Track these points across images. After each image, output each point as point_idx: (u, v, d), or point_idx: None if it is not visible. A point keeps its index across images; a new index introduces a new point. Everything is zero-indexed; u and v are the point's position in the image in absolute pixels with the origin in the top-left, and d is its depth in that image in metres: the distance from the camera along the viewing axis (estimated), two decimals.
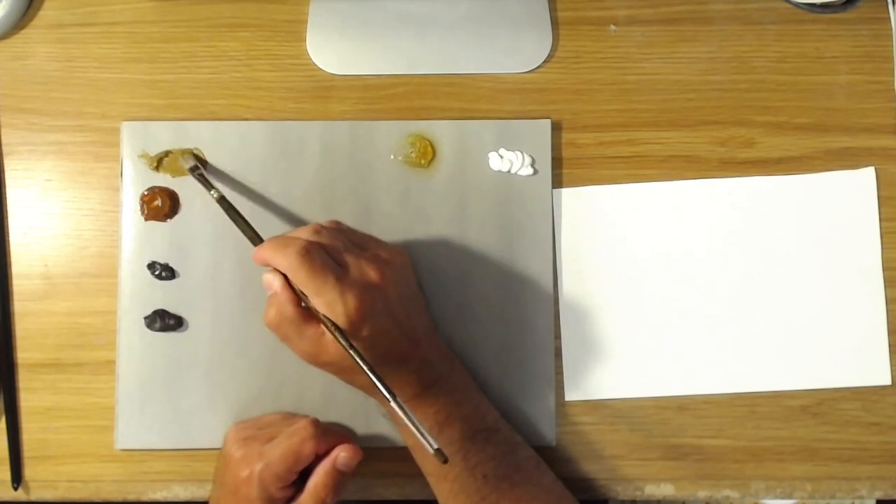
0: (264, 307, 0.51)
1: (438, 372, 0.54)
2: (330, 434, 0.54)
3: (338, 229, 0.54)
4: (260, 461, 0.52)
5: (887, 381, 0.59)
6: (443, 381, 0.54)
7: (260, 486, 0.51)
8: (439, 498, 0.55)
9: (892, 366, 0.59)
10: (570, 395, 0.58)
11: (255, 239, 0.53)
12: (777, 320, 0.59)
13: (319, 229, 0.52)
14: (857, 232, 0.59)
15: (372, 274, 0.51)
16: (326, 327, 0.49)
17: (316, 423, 0.53)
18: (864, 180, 0.60)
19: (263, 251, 0.51)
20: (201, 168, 0.58)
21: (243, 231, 0.54)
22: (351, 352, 0.48)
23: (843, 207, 0.60)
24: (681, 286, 0.59)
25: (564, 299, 0.59)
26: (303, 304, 0.50)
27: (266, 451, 0.52)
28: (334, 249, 0.51)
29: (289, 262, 0.49)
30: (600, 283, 0.59)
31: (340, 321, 0.49)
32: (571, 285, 0.59)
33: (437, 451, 0.46)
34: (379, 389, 0.47)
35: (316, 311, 0.49)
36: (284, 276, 0.50)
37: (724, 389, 0.59)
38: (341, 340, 0.48)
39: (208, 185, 0.56)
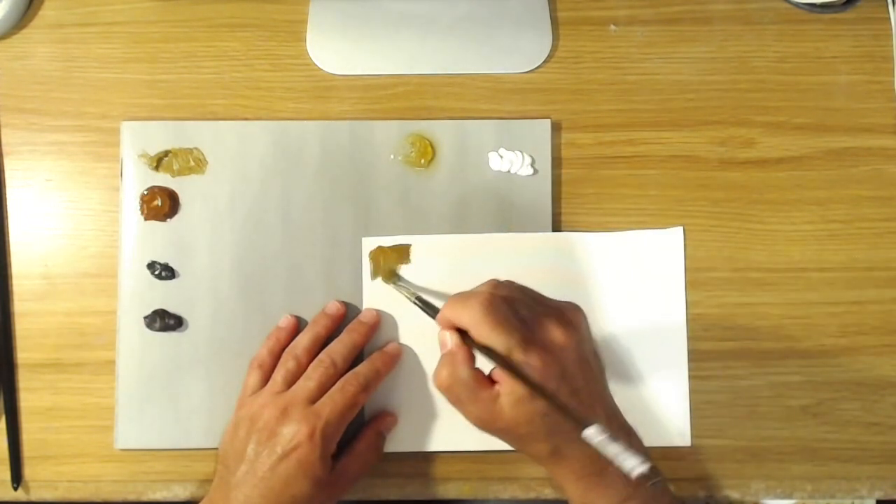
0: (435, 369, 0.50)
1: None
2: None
3: (516, 285, 0.51)
4: (319, 418, 0.52)
5: (687, 442, 0.58)
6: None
7: (323, 443, 0.52)
8: None
9: (692, 428, 0.59)
10: None
11: (436, 310, 0.52)
12: None
13: (497, 284, 0.50)
14: (665, 291, 0.59)
15: (557, 335, 0.49)
16: (510, 371, 0.47)
17: (360, 373, 0.55)
18: (673, 239, 0.59)
19: (447, 309, 0.49)
20: (400, 279, 0.59)
21: (430, 313, 0.54)
22: (551, 400, 0.46)
23: (653, 265, 0.59)
24: None
25: None
26: (476, 366, 0.49)
27: (320, 408, 0.53)
28: (518, 303, 0.49)
29: (471, 314, 0.48)
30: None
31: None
32: None
33: (652, 469, 0.44)
34: (571, 420, 0.46)
35: (502, 359, 0.47)
36: (460, 334, 0.49)
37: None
38: (517, 376, 0.46)
39: (408, 292, 0.57)
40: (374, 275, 0.59)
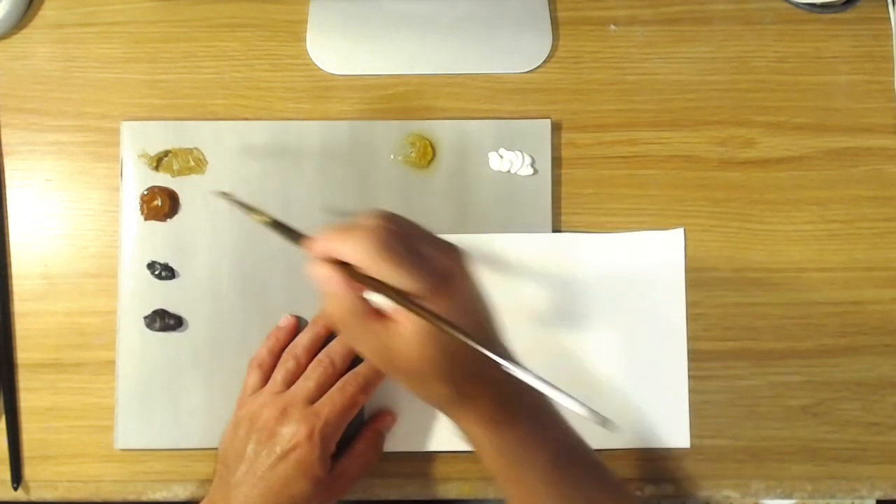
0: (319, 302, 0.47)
1: (517, 387, 0.46)
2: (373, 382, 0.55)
3: (403, 218, 0.47)
4: (318, 419, 0.52)
5: (686, 444, 0.58)
6: (525, 401, 0.48)
7: (322, 443, 0.52)
8: None
9: (691, 428, 0.58)
10: None
11: (301, 236, 0.47)
12: (581, 377, 0.58)
13: (386, 215, 0.46)
14: (665, 292, 0.59)
15: (457, 269, 0.46)
16: (408, 307, 0.43)
17: (360, 374, 0.54)
18: (673, 240, 0.59)
19: (329, 242, 0.45)
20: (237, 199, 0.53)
21: (287, 235, 0.48)
22: (449, 329, 0.43)
23: (653, 267, 0.59)
24: None
25: None
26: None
27: (319, 408, 0.53)
28: (412, 237, 0.45)
29: (364, 249, 0.43)
30: None
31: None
32: None
33: (595, 414, 0.40)
34: (491, 358, 0.42)
35: (395, 294, 0.43)
36: (345, 268, 0.45)
37: None
38: (431, 318, 0.43)
39: (260, 215, 0.51)
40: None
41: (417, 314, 0.43)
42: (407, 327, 0.44)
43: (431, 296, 0.44)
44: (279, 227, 0.49)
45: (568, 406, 0.41)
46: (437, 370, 0.45)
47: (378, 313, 0.46)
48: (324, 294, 0.46)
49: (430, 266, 0.44)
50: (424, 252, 0.45)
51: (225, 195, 0.52)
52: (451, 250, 0.47)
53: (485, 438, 0.48)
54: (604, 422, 0.41)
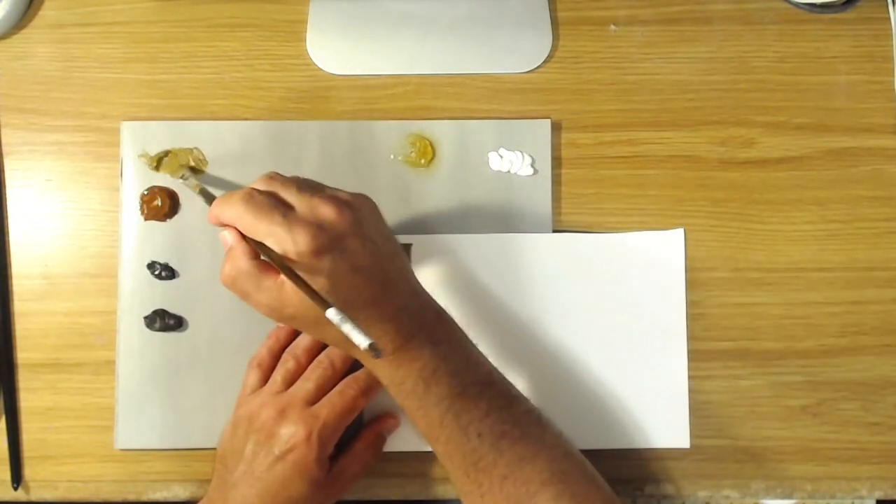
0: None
1: (420, 321, 0.50)
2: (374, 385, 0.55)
3: (292, 178, 0.50)
4: (316, 421, 0.52)
5: (686, 444, 0.58)
6: (426, 332, 0.50)
7: (320, 445, 0.52)
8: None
9: (691, 429, 0.58)
10: None
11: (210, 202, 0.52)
12: (581, 377, 0.58)
13: (271, 177, 0.50)
14: (664, 292, 0.59)
15: (326, 212, 0.48)
16: (278, 266, 0.46)
17: (360, 378, 0.54)
18: (673, 241, 0.59)
19: (213, 208, 0.49)
20: (188, 174, 0.58)
21: (208, 202, 0.53)
22: (300, 284, 0.45)
23: (653, 267, 0.59)
24: (487, 340, 0.57)
25: None
26: (261, 258, 0.48)
27: (318, 410, 0.53)
28: (284, 192, 0.49)
29: (234, 210, 0.48)
30: None
31: (292, 258, 0.46)
32: None
33: (371, 345, 0.43)
34: (314, 301, 0.45)
35: (269, 252, 0.47)
36: (238, 231, 0.48)
37: None
38: (288, 274, 0.46)
39: (192, 185, 0.57)
40: None
41: (277, 264, 0.46)
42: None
43: (289, 234, 0.46)
44: (206, 194, 0.54)
45: (359, 341, 0.43)
46: (319, 312, 0.45)
47: (266, 269, 0.48)
48: (225, 256, 0.49)
49: (309, 223, 0.47)
50: (294, 201, 0.48)
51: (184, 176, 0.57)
52: (343, 205, 0.48)
53: (383, 371, 0.51)
54: (374, 349, 0.43)
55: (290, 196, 0.48)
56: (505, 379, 0.53)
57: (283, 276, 0.47)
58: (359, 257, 0.48)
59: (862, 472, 0.59)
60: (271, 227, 0.47)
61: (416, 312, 0.51)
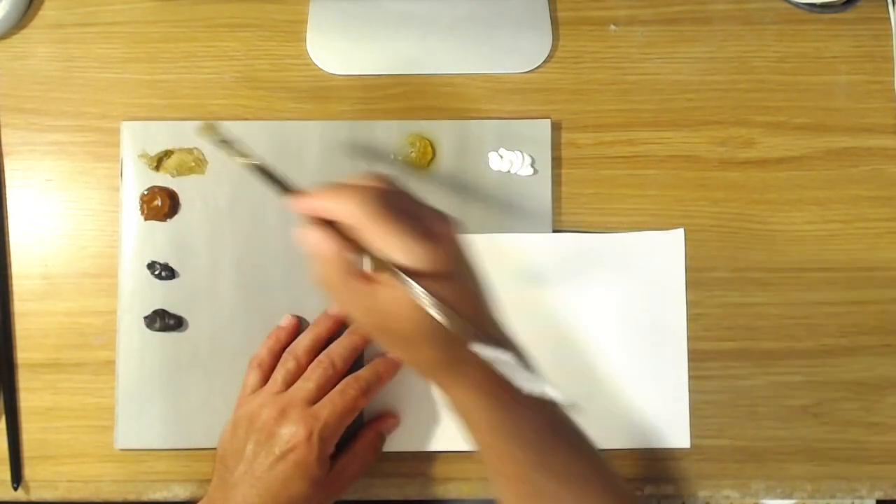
0: (308, 271, 0.45)
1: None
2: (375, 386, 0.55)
3: (398, 182, 0.46)
4: (317, 420, 0.52)
5: (686, 444, 0.58)
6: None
7: (321, 445, 0.52)
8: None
9: (691, 429, 0.58)
10: None
11: (290, 189, 0.46)
12: (582, 377, 0.58)
13: (378, 177, 0.45)
14: (664, 292, 0.59)
15: (446, 230, 0.44)
16: (404, 282, 0.42)
17: (361, 377, 0.54)
18: (673, 241, 0.59)
19: (321, 200, 0.44)
20: (223, 137, 0.51)
21: (274, 185, 0.47)
22: (438, 307, 0.41)
23: (653, 267, 0.59)
24: None
25: None
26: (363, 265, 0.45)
27: (318, 410, 0.53)
28: (403, 199, 0.44)
29: (358, 208, 0.42)
30: None
31: (418, 275, 0.42)
32: None
33: (568, 400, 0.40)
34: (454, 326, 0.41)
35: (385, 264, 0.43)
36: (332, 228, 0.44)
37: None
38: (416, 292, 0.42)
39: (237, 153, 0.49)
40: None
41: (402, 283, 0.42)
42: (396, 288, 0.43)
43: (423, 265, 0.42)
44: (266, 173, 0.47)
45: (542, 392, 0.41)
46: (426, 332, 0.44)
47: (367, 275, 0.44)
48: (312, 257, 0.45)
49: (425, 235, 0.43)
50: (420, 219, 0.44)
51: (209, 128, 0.50)
52: (447, 221, 0.45)
53: (473, 405, 0.47)
54: (573, 405, 0.40)
55: (412, 206, 0.45)
56: (578, 425, 0.51)
57: (385, 285, 0.43)
58: (474, 282, 0.46)
59: (862, 472, 0.59)
60: (404, 240, 0.42)
61: (509, 347, 0.46)
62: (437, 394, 0.58)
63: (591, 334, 0.59)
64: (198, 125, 0.51)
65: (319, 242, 0.44)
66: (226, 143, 0.50)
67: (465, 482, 0.59)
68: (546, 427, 0.49)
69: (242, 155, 0.48)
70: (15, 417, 0.59)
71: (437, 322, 0.42)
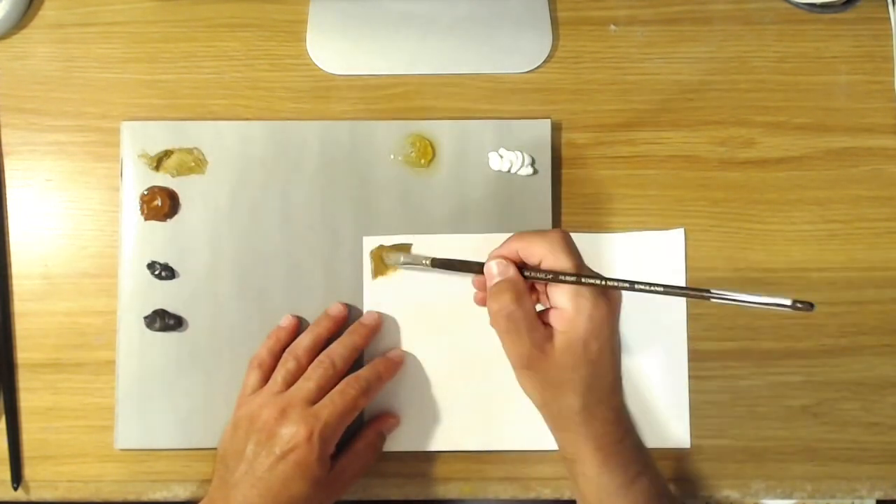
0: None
1: (628, 424, 0.51)
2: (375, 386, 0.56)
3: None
4: (318, 420, 0.52)
5: (686, 444, 0.59)
6: (634, 432, 0.52)
7: (321, 445, 0.52)
8: None
9: (691, 429, 0.59)
10: None
11: (475, 263, 0.53)
12: None
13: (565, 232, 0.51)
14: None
15: (617, 295, 0.50)
16: (586, 284, 0.48)
17: (361, 377, 0.55)
18: (673, 240, 0.59)
19: (518, 242, 0.50)
20: (406, 258, 0.58)
21: (464, 269, 0.54)
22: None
23: (653, 267, 0.59)
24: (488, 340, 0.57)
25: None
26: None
27: (319, 410, 0.53)
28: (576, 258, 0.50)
29: (550, 243, 0.49)
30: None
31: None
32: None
33: (797, 302, 0.43)
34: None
35: (572, 279, 0.48)
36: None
37: (519, 446, 0.58)
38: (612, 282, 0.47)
39: (419, 261, 0.57)
40: (376, 274, 0.59)
41: (605, 286, 0.48)
42: (567, 334, 0.48)
43: (597, 291, 0.48)
44: (450, 265, 0.55)
45: (772, 303, 0.44)
46: (577, 380, 0.48)
47: (540, 316, 0.49)
48: (491, 295, 0.49)
49: (603, 294, 0.49)
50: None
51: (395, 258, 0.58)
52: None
53: (590, 458, 0.50)
54: (808, 306, 0.43)
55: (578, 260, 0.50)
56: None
57: (550, 327, 0.49)
58: (613, 342, 0.50)
59: (862, 472, 0.59)
60: (578, 266, 0.48)
61: (626, 414, 0.52)
62: (437, 394, 0.58)
63: None
64: (389, 258, 0.58)
65: (504, 272, 0.50)
66: (409, 264, 0.58)
67: (465, 482, 0.59)
68: (654, 490, 0.51)
69: (425, 261, 0.56)
70: (15, 417, 0.59)
71: (592, 373, 0.48)
